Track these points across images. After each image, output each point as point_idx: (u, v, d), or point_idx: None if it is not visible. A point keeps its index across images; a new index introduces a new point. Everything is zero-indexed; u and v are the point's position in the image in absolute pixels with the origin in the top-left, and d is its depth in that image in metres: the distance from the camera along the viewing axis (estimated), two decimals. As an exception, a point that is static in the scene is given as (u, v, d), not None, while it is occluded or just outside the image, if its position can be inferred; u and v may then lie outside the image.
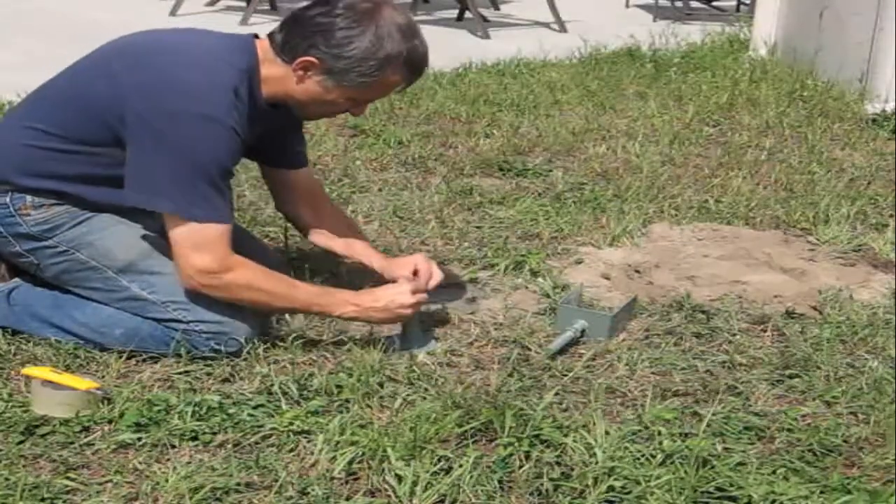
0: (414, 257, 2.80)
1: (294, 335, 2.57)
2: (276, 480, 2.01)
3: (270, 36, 2.51)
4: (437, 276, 2.73)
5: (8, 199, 2.49)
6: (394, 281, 2.66)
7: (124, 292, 2.50)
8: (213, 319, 2.46)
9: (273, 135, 2.67)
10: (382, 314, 2.57)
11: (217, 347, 2.46)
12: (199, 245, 2.40)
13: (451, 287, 3.02)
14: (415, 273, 2.71)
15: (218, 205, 2.41)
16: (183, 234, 2.40)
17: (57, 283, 2.58)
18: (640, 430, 2.22)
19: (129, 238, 2.53)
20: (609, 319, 2.71)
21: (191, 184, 2.37)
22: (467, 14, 8.13)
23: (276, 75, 2.48)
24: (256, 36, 2.55)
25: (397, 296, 2.58)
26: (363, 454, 2.08)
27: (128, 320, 2.49)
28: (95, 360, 2.47)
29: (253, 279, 2.47)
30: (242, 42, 2.52)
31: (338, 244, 2.86)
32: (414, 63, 2.48)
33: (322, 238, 2.86)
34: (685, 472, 2.04)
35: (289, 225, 3.05)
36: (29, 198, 2.49)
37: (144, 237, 2.54)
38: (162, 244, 2.55)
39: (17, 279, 2.65)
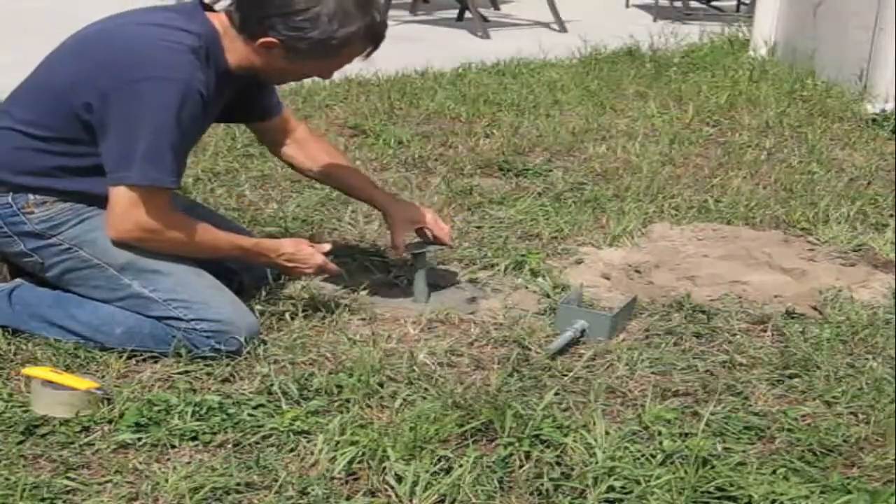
0: (420, 211, 2.99)
1: (294, 335, 2.57)
2: (276, 480, 2.01)
3: (228, 13, 2.52)
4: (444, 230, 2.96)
5: (10, 199, 2.49)
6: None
7: (125, 290, 2.50)
8: (214, 318, 2.46)
9: (241, 93, 2.71)
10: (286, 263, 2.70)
11: (217, 346, 2.46)
12: (140, 204, 2.43)
13: (450, 287, 3.02)
14: (421, 230, 2.94)
15: (171, 167, 2.43)
16: (128, 194, 2.43)
17: (60, 284, 2.57)
18: (640, 430, 2.22)
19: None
20: (609, 319, 2.71)
21: (157, 148, 2.40)
22: (467, 14, 8.13)
23: (240, 50, 2.51)
24: (202, 4, 2.55)
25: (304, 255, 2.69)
26: (363, 454, 2.07)
27: (128, 319, 2.50)
28: (95, 360, 2.47)
29: (188, 238, 2.54)
30: (188, 9, 2.54)
31: (344, 184, 3.05)
32: (373, 35, 2.54)
33: (325, 176, 3.03)
34: (685, 472, 2.04)
35: (290, 228, 3.07)
36: (31, 196, 2.50)
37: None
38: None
39: (18, 279, 2.64)
